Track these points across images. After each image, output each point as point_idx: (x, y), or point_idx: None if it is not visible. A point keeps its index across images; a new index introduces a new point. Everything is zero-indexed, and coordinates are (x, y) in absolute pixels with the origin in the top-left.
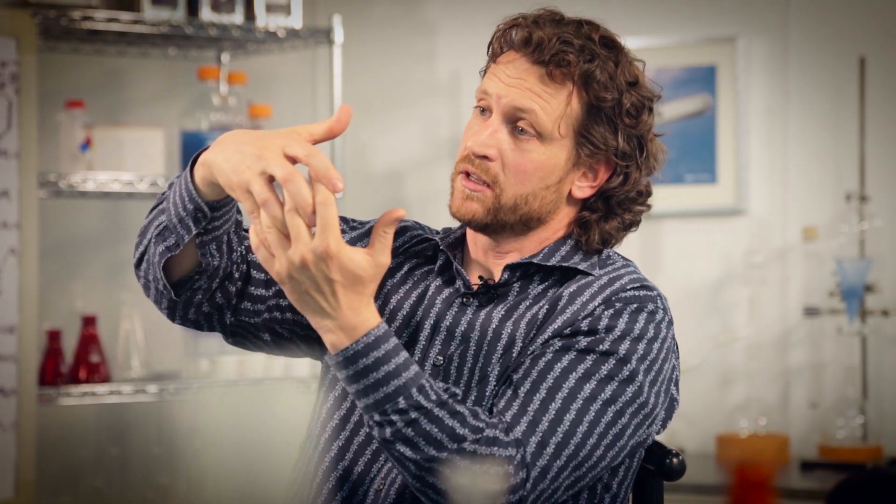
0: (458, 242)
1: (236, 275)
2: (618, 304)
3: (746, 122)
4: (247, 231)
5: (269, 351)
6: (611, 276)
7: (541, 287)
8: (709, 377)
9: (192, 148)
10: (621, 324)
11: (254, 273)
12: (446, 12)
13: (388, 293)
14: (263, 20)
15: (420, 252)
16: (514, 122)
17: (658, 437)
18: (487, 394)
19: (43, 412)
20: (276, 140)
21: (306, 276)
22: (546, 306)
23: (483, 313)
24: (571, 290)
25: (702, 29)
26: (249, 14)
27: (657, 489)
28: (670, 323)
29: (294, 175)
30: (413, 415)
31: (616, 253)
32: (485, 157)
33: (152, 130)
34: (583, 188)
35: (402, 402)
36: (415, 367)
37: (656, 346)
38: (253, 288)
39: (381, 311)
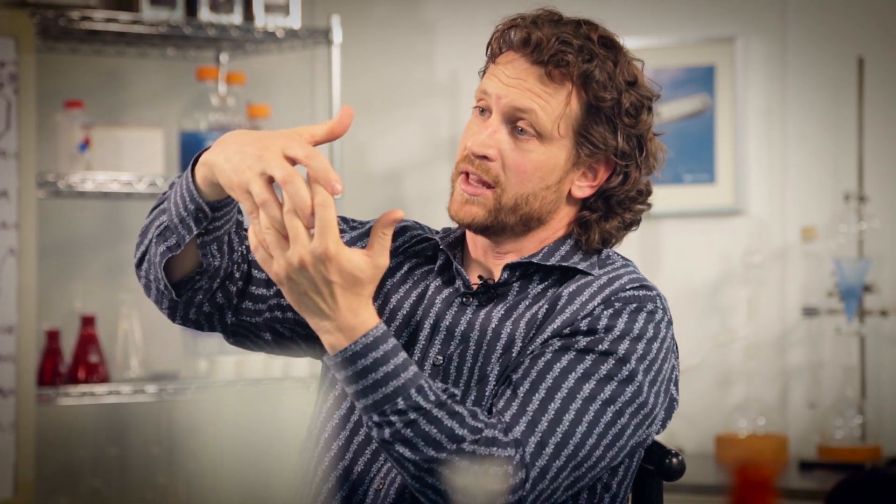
0: (457, 242)
1: (237, 274)
2: (617, 304)
3: (745, 122)
4: (247, 231)
5: (269, 350)
6: (610, 275)
7: (540, 287)
8: (708, 377)
9: (190, 148)
10: (620, 323)
11: (254, 272)
12: (445, 12)
13: (388, 293)
14: (262, 20)
15: (420, 252)
16: (514, 122)
17: (657, 438)
18: (487, 393)
19: (42, 412)
20: (277, 141)
21: (305, 278)
22: (545, 306)
23: (483, 313)
24: (571, 289)
25: (700, 29)
26: (248, 14)
27: (657, 489)
28: (670, 323)
29: (293, 176)
30: (412, 415)
31: (615, 253)
32: (485, 158)
33: (151, 130)
34: (582, 188)
35: (400, 403)
36: (413, 368)
37: (656, 345)
38: (254, 287)
39: (380, 310)
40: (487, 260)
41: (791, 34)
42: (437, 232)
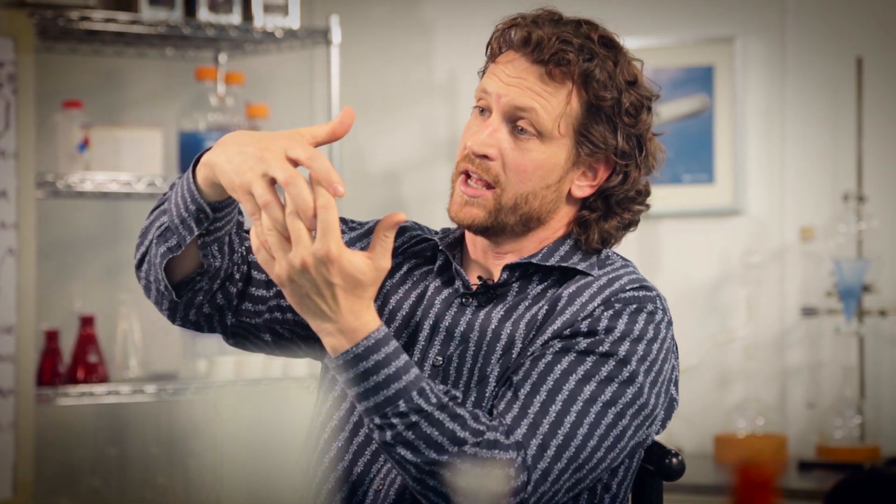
0: (457, 243)
1: (237, 276)
2: (617, 305)
3: (744, 122)
4: (248, 232)
5: (269, 351)
6: (610, 276)
7: (540, 287)
8: (707, 377)
9: (189, 148)
10: (621, 325)
11: (254, 274)
12: (444, 13)
13: (388, 293)
14: (261, 20)
15: (419, 252)
16: (514, 121)
17: (657, 438)
18: (487, 394)
19: (41, 412)
20: (278, 142)
21: (306, 280)
22: (545, 307)
23: (482, 313)
24: (571, 290)
25: (699, 29)
26: (247, 14)
27: (656, 489)
28: (670, 323)
29: (295, 178)
30: (413, 418)
31: (615, 253)
32: (485, 157)
33: (150, 131)
34: (582, 187)
35: (402, 406)
36: (415, 370)
37: (656, 346)
38: (254, 289)
39: (380, 311)
40: (487, 260)
41: (790, 34)
42: (437, 232)
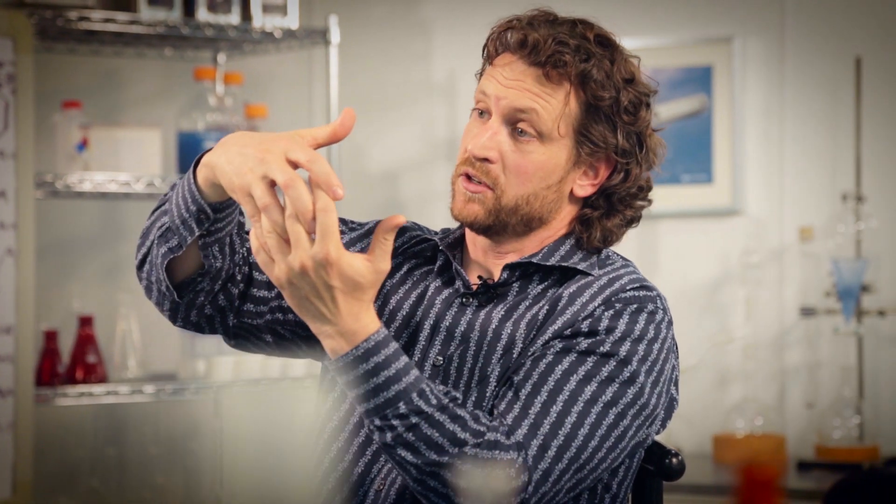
0: (457, 243)
1: (238, 277)
2: (618, 305)
3: (743, 122)
4: (248, 233)
5: (270, 352)
6: (610, 276)
7: (540, 287)
8: (706, 377)
9: (188, 148)
10: (621, 325)
11: (256, 275)
12: (442, 13)
13: (388, 293)
14: (260, 20)
15: (419, 252)
16: (514, 123)
17: (656, 437)
18: (487, 394)
19: (40, 412)
20: (279, 143)
21: (306, 283)
22: (546, 307)
23: (483, 313)
24: (571, 290)
25: (698, 29)
26: (246, 14)
27: (656, 489)
28: (670, 323)
29: (295, 181)
30: (414, 419)
31: (615, 253)
32: (485, 160)
33: (149, 131)
34: (584, 186)
35: (402, 407)
36: (415, 372)
37: (656, 346)
38: (255, 290)
39: (380, 311)
40: (487, 260)
41: (789, 34)
42: (436, 233)
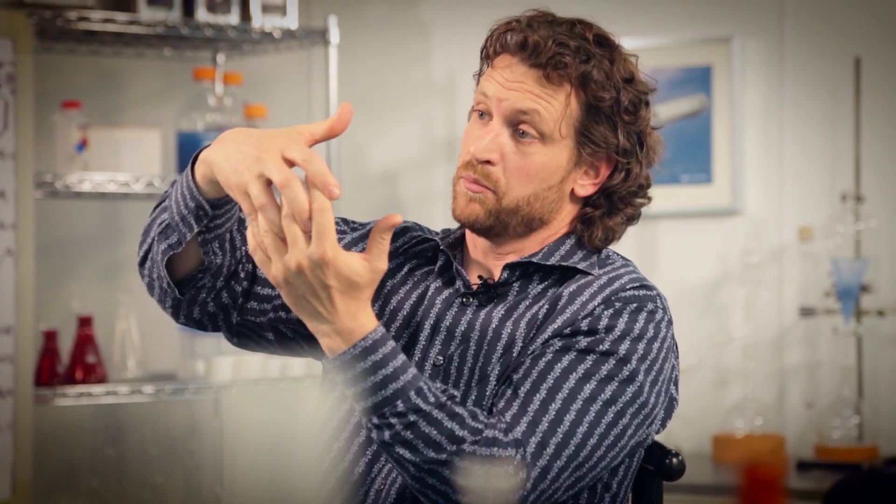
0: (457, 243)
1: (241, 274)
2: (617, 304)
3: (742, 122)
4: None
5: (272, 351)
6: (610, 275)
7: (540, 286)
8: (705, 377)
9: (188, 148)
10: (621, 323)
11: (259, 272)
12: (442, 13)
13: (389, 294)
14: (259, 21)
15: (420, 253)
16: (516, 125)
17: (656, 437)
18: (487, 394)
19: (39, 412)
20: (276, 141)
21: (302, 282)
22: (546, 306)
23: (483, 313)
24: (571, 289)
25: (697, 29)
26: (245, 15)
27: (657, 489)
28: (670, 322)
29: (291, 180)
30: (412, 417)
31: (615, 252)
32: (487, 162)
33: (148, 131)
34: (585, 186)
35: (400, 406)
36: (413, 370)
37: (656, 345)
38: (259, 287)
39: (381, 311)
40: (487, 260)
41: (788, 34)
42: (437, 233)
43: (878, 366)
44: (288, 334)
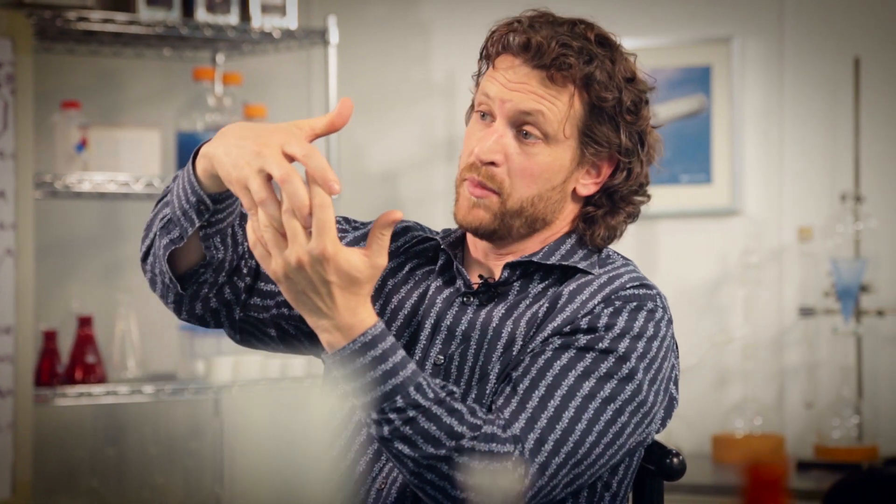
0: (458, 242)
1: (244, 270)
2: (617, 303)
3: (742, 122)
4: None
5: (274, 348)
6: (610, 274)
7: (541, 286)
8: (705, 377)
9: (187, 148)
10: (621, 322)
11: (262, 268)
12: (442, 13)
13: (390, 293)
14: (259, 21)
15: (421, 252)
16: (520, 125)
17: (656, 437)
18: (488, 392)
19: (39, 412)
20: (276, 136)
21: (302, 277)
22: (546, 305)
23: (483, 312)
24: (571, 288)
25: (697, 29)
26: (245, 15)
27: (657, 489)
28: (670, 321)
29: (291, 175)
30: (411, 413)
31: (615, 252)
32: (491, 163)
33: (148, 131)
34: (587, 185)
35: (399, 401)
36: (412, 366)
37: (655, 344)
38: (262, 283)
39: (382, 310)
40: (488, 259)
41: (788, 34)
42: (438, 233)
43: (878, 366)
44: (290, 331)
